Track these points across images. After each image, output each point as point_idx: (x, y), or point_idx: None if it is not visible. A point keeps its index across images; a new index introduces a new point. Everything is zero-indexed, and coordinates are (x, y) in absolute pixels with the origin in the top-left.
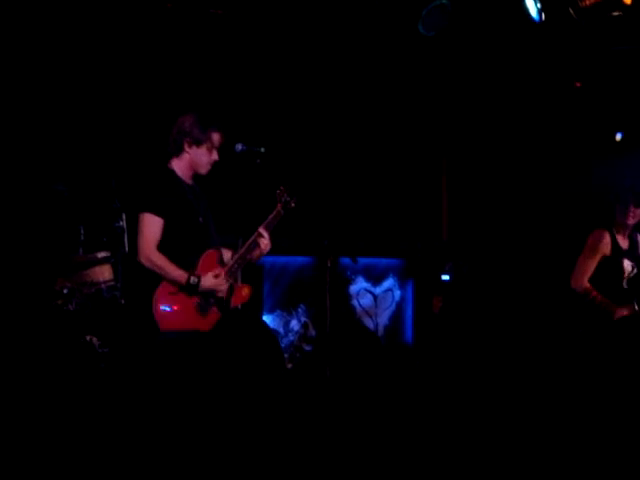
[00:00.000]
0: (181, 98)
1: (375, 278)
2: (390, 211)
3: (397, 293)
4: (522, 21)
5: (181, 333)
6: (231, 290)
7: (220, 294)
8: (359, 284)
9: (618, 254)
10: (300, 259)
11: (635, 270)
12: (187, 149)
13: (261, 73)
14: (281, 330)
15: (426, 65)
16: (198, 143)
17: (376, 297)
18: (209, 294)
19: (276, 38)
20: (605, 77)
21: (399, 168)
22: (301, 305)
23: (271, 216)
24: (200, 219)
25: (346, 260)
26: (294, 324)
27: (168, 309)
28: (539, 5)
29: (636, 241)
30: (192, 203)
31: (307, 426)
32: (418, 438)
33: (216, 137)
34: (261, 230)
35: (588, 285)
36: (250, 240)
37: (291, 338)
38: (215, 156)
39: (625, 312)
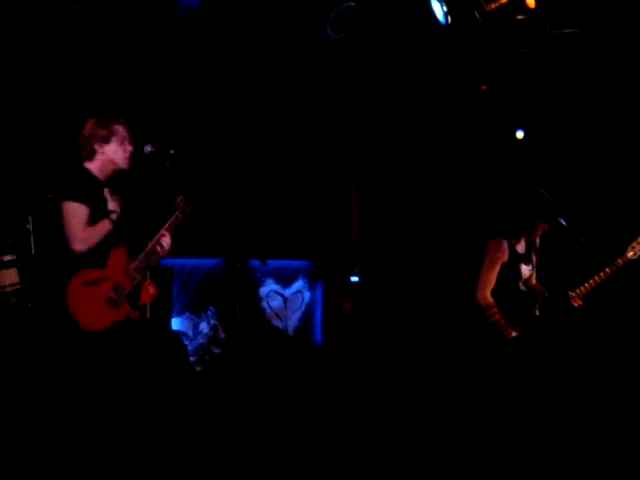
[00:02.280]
0: (89, 101)
1: (285, 280)
2: (299, 213)
3: (307, 295)
4: (428, 23)
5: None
6: (139, 287)
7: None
8: (269, 286)
9: (515, 259)
10: (209, 261)
11: (532, 273)
12: (99, 150)
13: (169, 75)
14: (190, 333)
15: (336, 65)
16: (106, 140)
17: (286, 299)
18: (121, 288)
19: (183, 39)
20: (510, 80)
21: (308, 169)
22: (210, 307)
23: (170, 220)
24: (112, 216)
25: (256, 262)
26: (203, 327)
27: (83, 306)
28: (445, 8)
29: (532, 243)
30: (106, 200)
31: (215, 427)
32: (327, 438)
33: (120, 129)
34: (163, 231)
35: (490, 300)
36: (153, 240)
37: (200, 341)
38: (128, 147)
39: (514, 334)
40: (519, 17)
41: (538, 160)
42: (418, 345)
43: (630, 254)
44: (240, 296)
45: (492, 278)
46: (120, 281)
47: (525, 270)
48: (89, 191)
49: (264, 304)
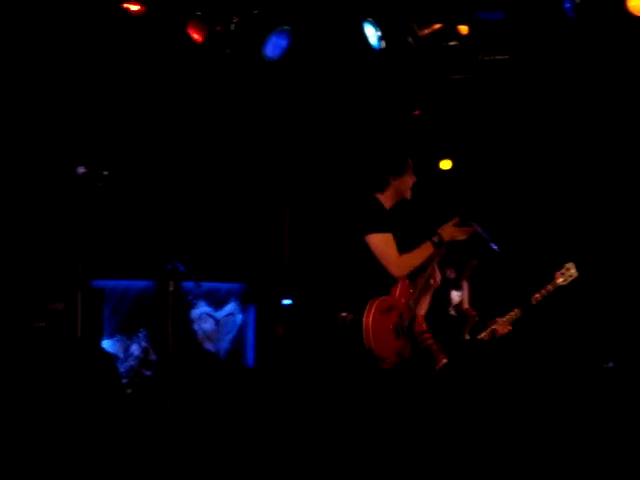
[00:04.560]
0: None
1: (217, 302)
2: (231, 235)
3: (239, 317)
4: (362, 48)
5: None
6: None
7: None
8: (201, 308)
9: (446, 285)
10: (141, 283)
11: (463, 299)
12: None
13: (103, 97)
14: (121, 355)
15: (269, 90)
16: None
17: (218, 321)
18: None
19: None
20: (443, 105)
21: (241, 192)
22: (142, 330)
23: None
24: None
25: (188, 284)
26: (134, 349)
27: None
28: (379, 33)
29: (462, 269)
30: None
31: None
32: (257, 459)
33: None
34: (434, 265)
35: (424, 327)
36: (426, 274)
37: (131, 363)
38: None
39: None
40: (452, 43)
41: (467, 187)
42: (349, 367)
43: (560, 280)
44: (172, 318)
45: (425, 306)
46: (404, 312)
47: (455, 296)
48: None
49: (196, 326)
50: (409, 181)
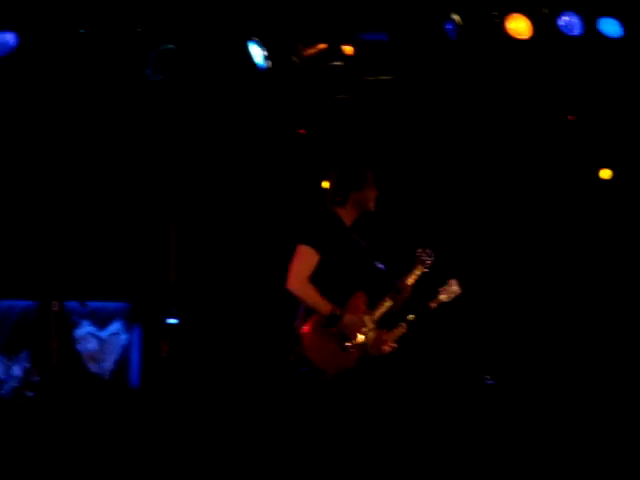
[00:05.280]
0: None
1: (101, 322)
2: (116, 254)
3: (123, 337)
4: (247, 67)
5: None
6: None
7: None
8: (84, 328)
9: None
10: (24, 303)
11: None
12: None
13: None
14: (3, 376)
15: (154, 109)
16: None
17: (102, 341)
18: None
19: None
20: (327, 125)
21: (125, 210)
22: (24, 350)
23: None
24: None
25: (72, 304)
26: (16, 370)
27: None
28: (264, 52)
29: None
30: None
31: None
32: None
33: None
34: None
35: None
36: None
37: (13, 384)
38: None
39: None
40: (336, 63)
41: None
42: (237, 387)
43: (443, 297)
44: (55, 338)
45: None
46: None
47: None
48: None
49: (79, 347)
50: (370, 193)
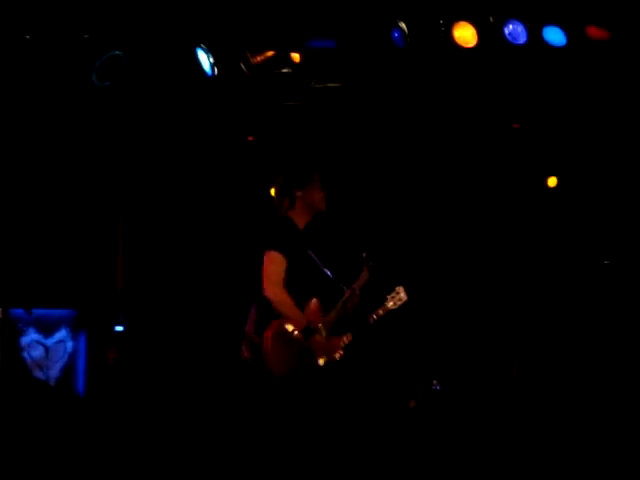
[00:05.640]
0: None
1: (47, 329)
2: (61, 260)
3: (69, 344)
4: (195, 74)
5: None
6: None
7: None
8: (30, 335)
9: None
10: None
11: None
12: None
13: None
14: None
15: (100, 116)
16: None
17: (48, 348)
18: None
19: None
20: (275, 131)
21: (72, 215)
22: None
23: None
24: None
25: (17, 311)
26: None
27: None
28: (212, 59)
29: None
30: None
31: None
32: None
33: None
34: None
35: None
36: (344, 297)
37: None
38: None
39: None
40: (284, 70)
41: None
42: (184, 393)
43: (390, 304)
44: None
45: None
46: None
47: None
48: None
49: (25, 354)
50: (317, 194)
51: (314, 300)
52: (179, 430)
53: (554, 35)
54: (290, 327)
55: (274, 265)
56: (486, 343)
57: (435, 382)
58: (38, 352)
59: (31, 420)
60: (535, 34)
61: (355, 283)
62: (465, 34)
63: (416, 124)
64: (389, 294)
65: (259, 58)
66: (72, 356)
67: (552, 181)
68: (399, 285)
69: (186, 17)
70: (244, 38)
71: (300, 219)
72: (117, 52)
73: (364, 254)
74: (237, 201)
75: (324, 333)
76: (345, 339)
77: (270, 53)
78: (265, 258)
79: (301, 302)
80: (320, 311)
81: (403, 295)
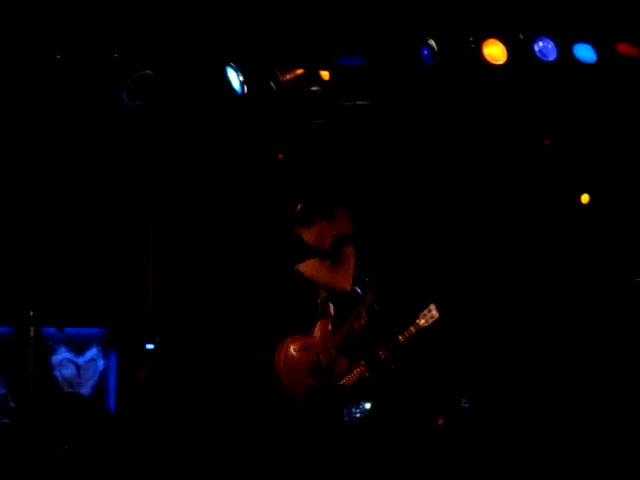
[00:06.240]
0: None
1: (78, 348)
2: (93, 279)
3: (100, 363)
4: (224, 93)
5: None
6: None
7: None
8: (61, 354)
9: None
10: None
11: None
12: None
13: None
14: None
15: (132, 134)
16: None
17: (79, 367)
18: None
19: None
20: (305, 150)
21: (102, 234)
22: (0, 377)
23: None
24: None
25: (49, 330)
26: None
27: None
28: (241, 78)
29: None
30: None
31: None
32: None
33: None
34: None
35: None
36: (351, 317)
37: None
38: None
39: None
40: (314, 88)
41: None
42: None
43: (422, 322)
44: (32, 365)
45: None
46: (321, 353)
47: None
48: None
49: (56, 373)
50: (332, 231)
51: (324, 320)
52: (210, 449)
53: (584, 52)
54: (295, 346)
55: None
56: (515, 360)
57: (464, 400)
58: (69, 371)
59: (63, 438)
60: (565, 51)
61: (361, 305)
62: (495, 51)
63: (446, 142)
64: (421, 311)
65: (288, 76)
66: (103, 374)
67: (585, 198)
68: (431, 303)
69: (216, 36)
70: (273, 56)
71: (311, 240)
72: (147, 71)
73: (367, 279)
74: (268, 218)
75: (333, 352)
76: (358, 370)
77: (299, 71)
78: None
79: (311, 321)
80: (329, 330)
81: (435, 312)
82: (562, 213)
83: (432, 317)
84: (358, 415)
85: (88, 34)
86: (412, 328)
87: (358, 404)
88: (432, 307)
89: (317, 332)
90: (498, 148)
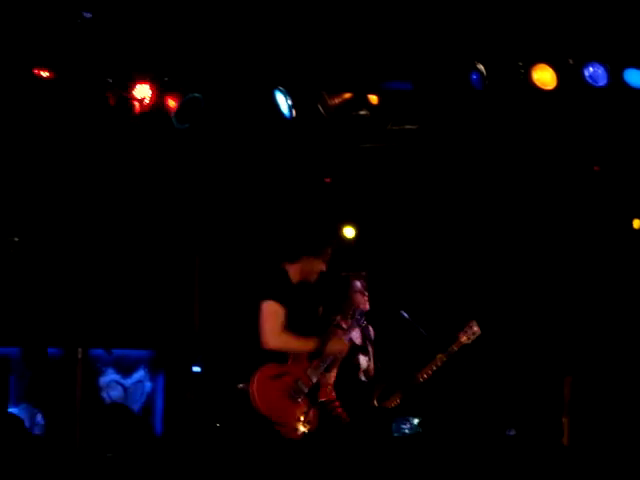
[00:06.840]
0: None
1: (125, 369)
2: (141, 302)
3: (147, 385)
4: (273, 116)
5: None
6: (317, 386)
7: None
8: (109, 376)
9: (353, 351)
10: (49, 350)
11: (370, 364)
12: None
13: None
14: (27, 423)
15: (180, 158)
16: None
17: (126, 389)
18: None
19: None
20: (353, 173)
21: (151, 260)
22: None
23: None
24: None
25: (97, 351)
26: (40, 418)
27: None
28: (290, 102)
29: (367, 334)
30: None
31: None
32: None
33: None
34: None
35: (332, 395)
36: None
37: (37, 431)
38: None
39: None
40: (362, 112)
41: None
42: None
43: (464, 339)
44: (80, 386)
45: (333, 372)
46: (301, 379)
47: (363, 361)
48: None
49: (104, 394)
50: (319, 266)
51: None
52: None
53: (635, 77)
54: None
55: (272, 315)
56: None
57: (509, 428)
58: (117, 392)
59: (110, 458)
60: (616, 76)
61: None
62: (544, 76)
63: (494, 167)
64: (462, 329)
65: (337, 100)
66: (150, 396)
67: (637, 223)
68: (472, 319)
69: (264, 60)
70: (322, 80)
71: (294, 275)
72: (197, 94)
73: (351, 310)
74: (315, 243)
75: (314, 378)
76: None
77: (347, 95)
78: (261, 309)
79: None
80: (305, 357)
81: (476, 329)
82: (615, 239)
83: (474, 333)
84: (407, 431)
85: (138, 58)
86: (454, 346)
87: (406, 420)
88: (473, 323)
89: (292, 358)
90: (548, 174)
